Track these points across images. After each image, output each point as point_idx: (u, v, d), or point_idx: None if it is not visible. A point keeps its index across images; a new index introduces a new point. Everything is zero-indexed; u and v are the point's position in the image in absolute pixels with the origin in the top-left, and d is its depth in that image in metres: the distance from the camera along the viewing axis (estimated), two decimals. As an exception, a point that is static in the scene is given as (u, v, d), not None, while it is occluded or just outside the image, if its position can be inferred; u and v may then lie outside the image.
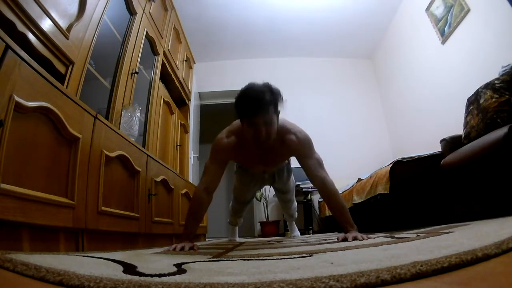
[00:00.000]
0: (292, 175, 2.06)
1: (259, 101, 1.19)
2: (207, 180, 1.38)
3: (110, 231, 1.25)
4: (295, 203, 2.35)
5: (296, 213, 2.43)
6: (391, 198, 1.81)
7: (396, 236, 1.08)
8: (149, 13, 2.09)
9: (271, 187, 2.17)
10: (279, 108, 1.30)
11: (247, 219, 3.58)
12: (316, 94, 4.41)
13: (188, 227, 1.32)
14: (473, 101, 1.70)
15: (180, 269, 0.55)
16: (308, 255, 0.71)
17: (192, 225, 1.32)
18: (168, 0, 2.56)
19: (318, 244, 1.13)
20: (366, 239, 1.08)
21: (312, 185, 3.75)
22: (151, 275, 0.46)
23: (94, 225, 1.11)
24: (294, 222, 2.51)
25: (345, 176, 3.16)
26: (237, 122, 1.41)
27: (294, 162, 1.64)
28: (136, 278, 0.43)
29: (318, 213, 3.71)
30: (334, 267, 0.45)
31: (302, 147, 1.41)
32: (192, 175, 3.05)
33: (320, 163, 1.42)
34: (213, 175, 1.39)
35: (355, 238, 1.11)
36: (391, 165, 1.87)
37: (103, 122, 1.22)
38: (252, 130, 1.25)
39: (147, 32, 2.03)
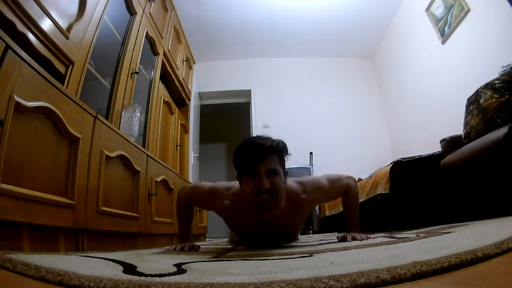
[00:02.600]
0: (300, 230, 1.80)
1: (261, 145, 1.01)
2: (192, 201, 1.30)
3: (110, 231, 1.25)
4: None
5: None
6: (391, 198, 1.81)
7: (396, 236, 1.08)
8: (149, 13, 2.09)
9: None
10: (284, 166, 1.07)
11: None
12: (316, 94, 4.41)
13: (182, 227, 1.31)
14: (473, 101, 1.70)
15: (180, 269, 0.55)
16: (308, 255, 0.71)
17: (186, 225, 1.31)
18: (168, 0, 2.56)
19: (318, 244, 1.12)
20: (366, 239, 1.08)
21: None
22: (151, 275, 0.46)
23: (94, 225, 1.11)
24: None
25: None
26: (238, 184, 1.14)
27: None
28: (136, 278, 0.43)
29: (318, 213, 3.71)
30: (334, 267, 0.45)
31: (317, 196, 1.21)
32: (192, 175, 3.05)
33: (335, 180, 1.28)
34: (198, 205, 1.37)
35: (354, 238, 1.11)
36: (391, 165, 1.87)
37: (103, 122, 1.22)
38: (252, 182, 0.99)
39: (147, 32, 2.02)
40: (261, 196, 0.99)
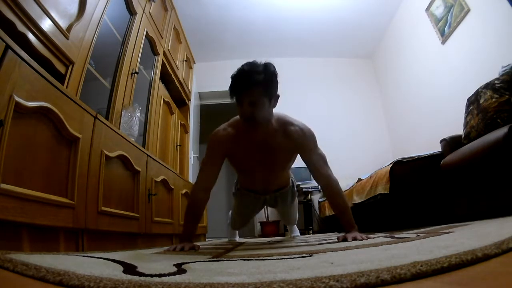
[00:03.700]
0: (296, 199, 1.94)
1: (246, 80, 1.18)
2: (204, 178, 1.34)
3: (110, 231, 1.25)
4: (297, 215, 2.22)
5: (296, 220, 2.33)
6: (391, 198, 1.81)
7: (396, 236, 1.08)
8: (149, 13, 2.09)
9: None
10: (274, 92, 1.26)
11: (247, 219, 3.56)
12: (316, 94, 4.41)
13: (187, 227, 1.31)
14: (473, 101, 1.70)
15: (180, 269, 0.55)
16: (308, 255, 0.71)
17: (191, 225, 1.31)
18: (168, 0, 2.56)
19: (318, 244, 1.13)
20: (366, 239, 1.08)
21: (316, 183, 3.74)
22: (151, 275, 0.46)
23: (94, 225, 1.11)
24: None
25: (345, 176, 3.16)
26: (236, 117, 1.38)
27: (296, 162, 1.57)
28: (136, 278, 0.43)
29: (318, 213, 3.71)
30: (334, 267, 0.45)
31: (306, 140, 1.34)
32: (192, 175, 3.05)
33: (324, 160, 1.37)
34: (209, 173, 1.34)
35: (354, 238, 1.11)
36: (391, 165, 1.87)
37: (103, 122, 1.22)
38: (240, 109, 1.24)
39: (147, 32, 2.03)
40: (245, 119, 1.25)
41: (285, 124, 1.35)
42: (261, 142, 1.34)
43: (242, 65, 1.23)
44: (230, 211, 2.16)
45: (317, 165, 1.35)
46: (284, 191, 1.74)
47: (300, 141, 1.34)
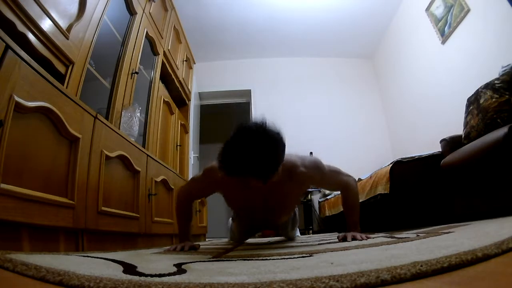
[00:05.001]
0: (297, 226, 1.86)
1: (244, 172, 0.91)
2: (190, 196, 1.33)
3: (110, 231, 1.25)
4: (295, 233, 2.06)
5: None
6: (391, 198, 1.81)
7: (396, 236, 1.08)
8: (149, 13, 2.09)
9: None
10: (279, 163, 0.97)
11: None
12: (316, 94, 4.41)
13: (182, 228, 1.31)
14: (473, 101, 1.70)
15: (180, 269, 0.55)
16: (308, 255, 0.71)
17: (186, 226, 1.31)
18: (168, 0, 2.56)
19: (318, 244, 1.13)
20: (366, 239, 1.08)
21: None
22: (151, 275, 0.46)
23: (94, 225, 1.11)
24: None
25: (345, 176, 3.15)
26: None
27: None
28: (136, 278, 0.43)
29: (318, 213, 3.71)
30: (334, 267, 0.45)
31: (316, 174, 1.23)
32: (192, 175, 3.05)
33: (336, 172, 1.32)
34: (198, 195, 1.37)
35: (354, 238, 1.11)
36: (391, 165, 1.87)
37: (103, 122, 1.22)
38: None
39: (147, 32, 2.02)
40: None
41: (290, 169, 1.14)
42: (266, 192, 1.18)
43: (238, 144, 0.91)
44: (230, 219, 2.09)
45: (334, 182, 1.35)
46: (284, 222, 1.68)
47: (309, 177, 1.22)
